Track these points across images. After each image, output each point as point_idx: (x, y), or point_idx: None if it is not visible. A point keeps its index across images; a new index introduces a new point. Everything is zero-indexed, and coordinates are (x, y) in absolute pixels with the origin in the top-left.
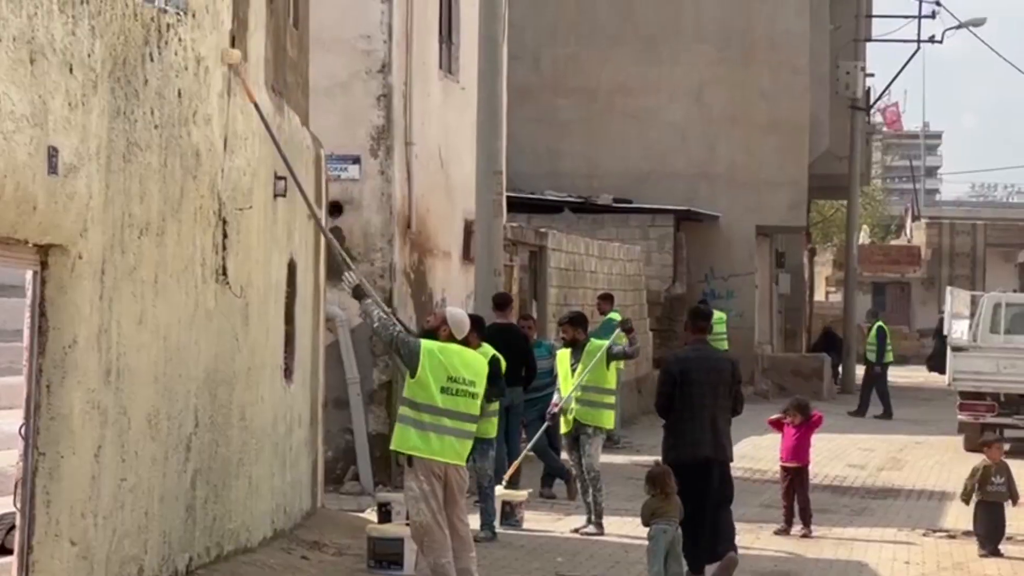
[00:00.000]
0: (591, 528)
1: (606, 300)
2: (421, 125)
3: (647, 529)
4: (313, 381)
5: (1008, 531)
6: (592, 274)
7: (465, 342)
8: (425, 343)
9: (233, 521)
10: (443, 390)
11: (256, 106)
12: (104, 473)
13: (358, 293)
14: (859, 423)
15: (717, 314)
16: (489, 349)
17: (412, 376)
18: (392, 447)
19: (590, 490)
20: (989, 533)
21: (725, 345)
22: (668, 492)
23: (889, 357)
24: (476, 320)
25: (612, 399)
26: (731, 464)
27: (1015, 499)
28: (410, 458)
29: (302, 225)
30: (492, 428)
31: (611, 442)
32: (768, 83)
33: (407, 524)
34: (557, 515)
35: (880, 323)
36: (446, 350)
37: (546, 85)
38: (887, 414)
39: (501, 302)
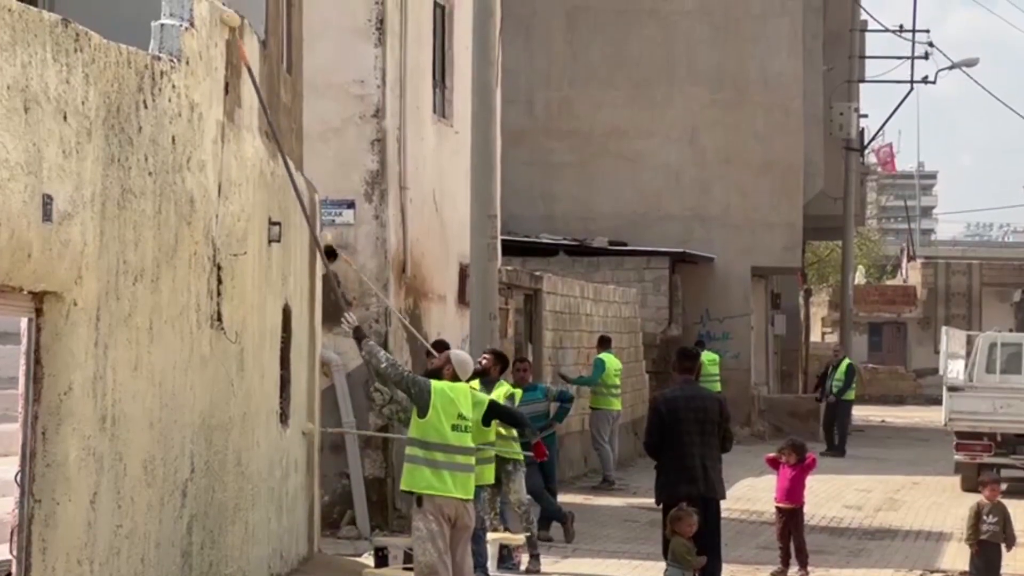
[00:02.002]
0: (534, 562)
1: (600, 343)
2: (415, 169)
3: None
4: (309, 426)
5: (1005, 571)
6: (588, 317)
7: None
8: (435, 383)
9: (229, 567)
10: (454, 427)
11: (249, 70)
12: (100, 520)
13: (359, 334)
14: (855, 464)
15: (710, 355)
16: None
17: (422, 415)
18: (403, 488)
19: (523, 524)
20: (982, 573)
21: (718, 387)
22: (678, 532)
23: (851, 395)
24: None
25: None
26: (723, 503)
27: (1009, 543)
28: (419, 498)
29: (297, 270)
30: (490, 474)
31: (607, 484)
32: (762, 125)
33: (405, 568)
34: (554, 558)
35: (850, 361)
36: (454, 388)
37: (540, 128)
38: (832, 449)
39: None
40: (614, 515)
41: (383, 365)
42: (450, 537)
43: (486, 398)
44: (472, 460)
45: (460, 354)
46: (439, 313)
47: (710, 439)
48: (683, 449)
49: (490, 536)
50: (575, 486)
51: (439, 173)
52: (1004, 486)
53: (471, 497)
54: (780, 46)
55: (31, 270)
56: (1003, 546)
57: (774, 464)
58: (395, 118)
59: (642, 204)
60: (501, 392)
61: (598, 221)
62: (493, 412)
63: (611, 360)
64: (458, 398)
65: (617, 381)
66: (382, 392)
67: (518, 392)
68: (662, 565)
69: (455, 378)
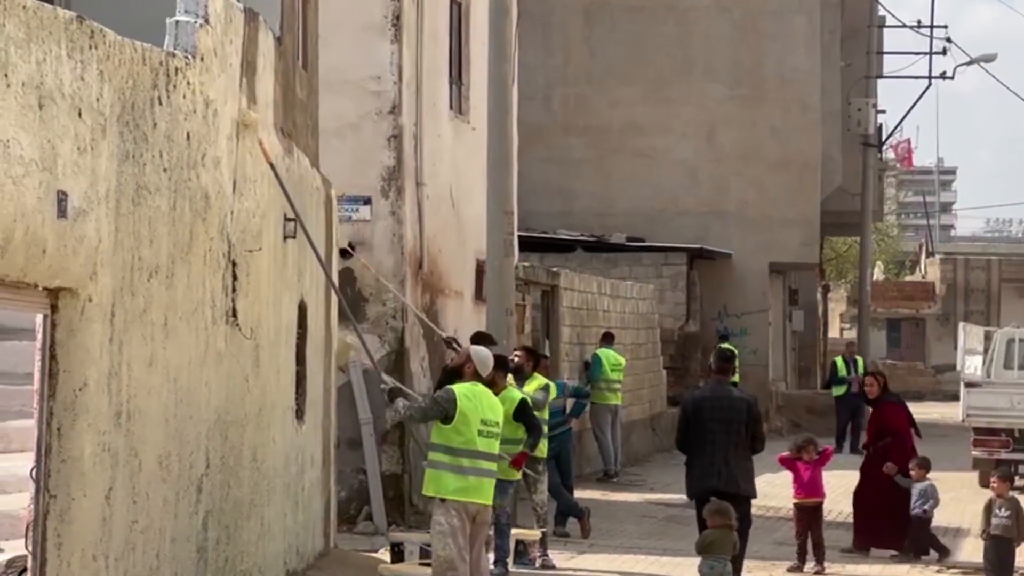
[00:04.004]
0: (548, 558)
1: (602, 338)
2: (432, 165)
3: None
4: (325, 422)
5: (1020, 565)
6: (605, 313)
7: (492, 382)
8: (457, 389)
9: (245, 562)
10: (479, 433)
11: (272, 167)
12: (115, 515)
13: (393, 395)
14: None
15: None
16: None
17: (447, 422)
18: (426, 493)
19: (539, 525)
20: (995, 568)
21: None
22: (730, 525)
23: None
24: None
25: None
26: (752, 500)
27: (1020, 537)
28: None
29: (312, 267)
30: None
31: (608, 476)
32: (779, 121)
33: (421, 563)
34: (571, 554)
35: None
36: (475, 393)
37: (558, 125)
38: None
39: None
40: (631, 511)
41: (403, 413)
42: (469, 533)
43: (519, 395)
44: (493, 465)
45: (480, 350)
46: (456, 309)
47: (736, 438)
48: (705, 447)
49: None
50: (591, 482)
51: (455, 169)
52: (1023, 481)
53: (491, 503)
54: (797, 42)
55: (46, 266)
56: (1015, 541)
57: (790, 464)
58: (411, 114)
59: (660, 200)
60: (535, 385)
61: (616, 217)
62: (521, 412)
63: (608, 355)
64: (480, 403)
65: (615, 376)
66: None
67: (553, 386)
68: (678, 560)
69: (476, 375)
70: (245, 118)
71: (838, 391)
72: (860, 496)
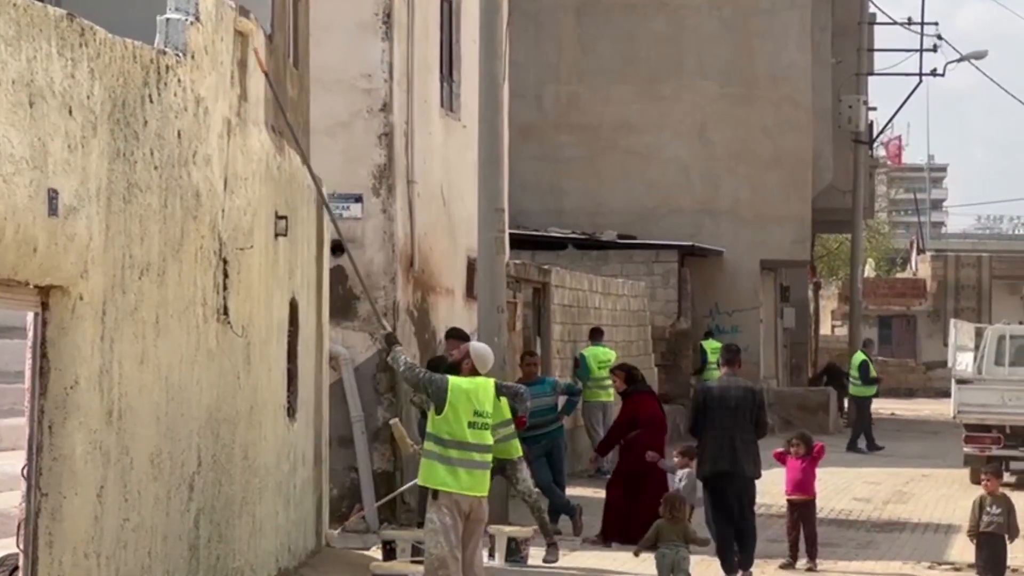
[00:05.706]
0: (552, 555)
1: (590, 334)
2: (423, 163)
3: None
4: (317, 419)
5: (1013, 564)
6: (596, 310)
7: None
8: (452, 380)
9: (237, 560)
10: (470, 425)
11: (266, 75)
12: (107, 513)
13: (389, 341)
14: (865, 456)
15: (712, 343)
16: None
17: (439, 413)
18: (419, 482)
19: (535, 514)
20: (988, 565)
21: (716, 374)
22: (676, 517)
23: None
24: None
25: (512, 428)
26: (755, 481)
27: (1012, 534)
28: (435, 491)
29: (304, 264)
30: (516, 449)
31: (600, 473)
32: (770, 118)
33: (412, 561)
34: (563, 551)
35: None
36: (474, 385)
37: (549, 123)
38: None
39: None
40: None
41: (401, 369)
42: (462, 531)
43: (491, 381)
44: (489, 457)
45: (480, 347)
46: (447, 307)
47: (742, 423)
48: (712, 432)
49: (500, 528)
50: (583, 479)
51: (447, 167)
52: (1013, 478)
53: (486, 494)
54: (789, 40)
55: (37, 264)
56: (1007, 538)
57: (782, 459)
58: (402, 112)
59: (651, 198)
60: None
61: (607, 215)
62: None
63: (596, 354)
64: (477, 394)
65: (603, 374)
66: (415, 402)
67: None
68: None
69: (474, 372)
70: (240, 26)
71: (869, 391)
72: (612, 489)
